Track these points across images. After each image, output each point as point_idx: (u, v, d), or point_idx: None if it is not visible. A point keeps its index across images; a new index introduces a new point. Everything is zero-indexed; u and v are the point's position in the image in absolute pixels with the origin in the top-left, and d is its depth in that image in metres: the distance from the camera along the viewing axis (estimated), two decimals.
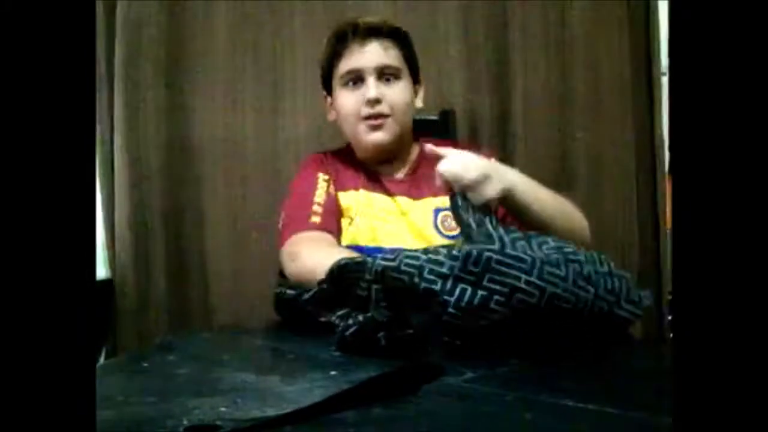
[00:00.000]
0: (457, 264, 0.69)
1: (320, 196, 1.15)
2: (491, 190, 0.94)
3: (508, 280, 0.68)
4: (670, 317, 1.52)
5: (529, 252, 0.71)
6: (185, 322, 1.57)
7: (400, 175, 1.22)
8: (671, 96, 0.48)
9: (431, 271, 0.70)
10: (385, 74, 1.16)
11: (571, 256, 0.72)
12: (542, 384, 0.61)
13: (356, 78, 1.16)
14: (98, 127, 1.55)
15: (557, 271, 0.70)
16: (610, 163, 1.53)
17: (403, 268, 0.71)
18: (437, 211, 1.17)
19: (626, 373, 0.69)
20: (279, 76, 1.59)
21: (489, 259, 0.69)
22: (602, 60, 1.53)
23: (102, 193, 1.57)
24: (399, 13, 1.53)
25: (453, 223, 1.13)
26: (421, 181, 1.19)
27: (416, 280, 0.70)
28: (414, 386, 0.56)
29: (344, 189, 1.18)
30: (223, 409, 0.52)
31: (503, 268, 0.68)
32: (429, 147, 1.02)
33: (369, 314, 0.72)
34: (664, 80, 1.52)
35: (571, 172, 1.54)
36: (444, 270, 0.69)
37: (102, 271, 1.56)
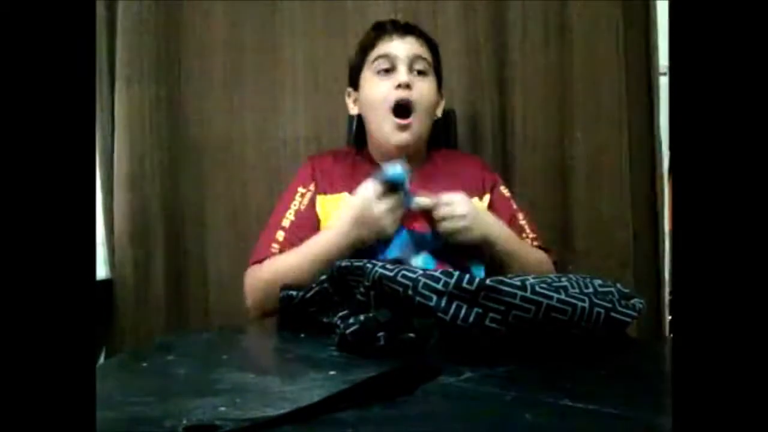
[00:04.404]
0: (452, 281, 0.69)
1: (289, 216, 1.17)
2: (470, 236, 1.02)
3: (504, 298, 0.68)
4: (669, 317, 1.52)
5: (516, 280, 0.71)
6: (184, 322, 1.57)
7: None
8: (671, 96, 0.48)
9: (426, 286, 0.69)
10: (416, 67, 1.18)
11: (556, 284, 0.72)
12: (542, 384, 0.61)
13: (389, 65, 1.18)
14: (98, 127, 1.55)
15: (550, 287, 0.70)
16: (609, 163, 1.53)
17: (399, 279, 0.71)
18: None
19: (626, 373, 0.69)
20: (279, 76, 1.59)
21: (484, 278, 0.69)
22: (602, 60, 1.53)
23: (102, 192, 1.57)
24: (399, 13, 1.52)
25: None
26: (429, 177, 1.21)
27: (410, 293, 0.69)
28: (411, 386, 0.56)
29: (338, 191, 1.19)
30: (222, 409, 0.52)
31: (498, 286, 0.68)
32: (416, 201, 1.03)
33: (370, 314, 0.72)
34: (663, 80, 1.52)
35: (571, 172, 1.54)
36: (439, 286, 0.69)
37: (102, 271, 1.56)
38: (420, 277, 0.70)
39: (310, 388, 0.59)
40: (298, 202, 1.19)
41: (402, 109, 1.16)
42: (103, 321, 1.54)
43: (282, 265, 1.09)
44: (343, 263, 0.81)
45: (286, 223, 1.16)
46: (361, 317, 0.72)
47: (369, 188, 1.02)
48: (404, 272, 0.72)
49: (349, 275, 0.80)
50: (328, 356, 0.71)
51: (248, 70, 1.59)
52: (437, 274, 0.70)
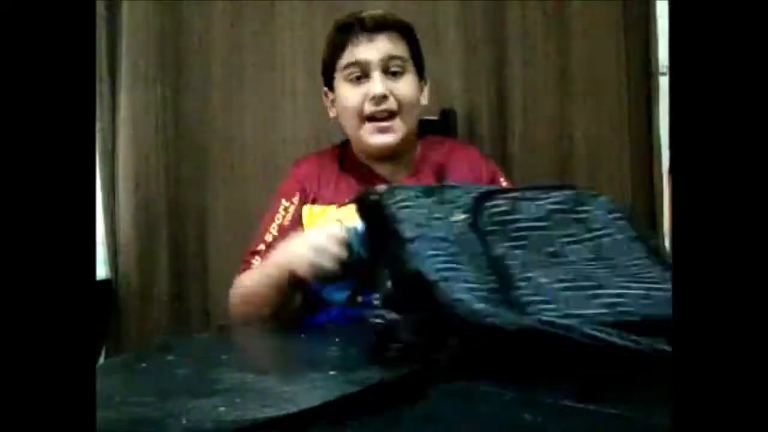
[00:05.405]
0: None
1: (272, 231, 1.13)
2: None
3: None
4: None
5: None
6: (186, 322, 1.57)
7: (401, 178, 1.16)
8: (671, 96, 0.48)
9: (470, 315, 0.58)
10: (391, 68, 1.09)
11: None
12: (542, 384, 0.60)
13: (360, 72, 1.09)
14: (98, 127, 1.55)
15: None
16: (609, 163, 1.53)
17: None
18: None
19: (626, 373, 0.69)
20: (279, 76, 1.59)
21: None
22: (602, 59, 1.53)
23: (102, 193, 1.57)
24: (398, 12, 1.52)
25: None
26: (421, 173, 1.16)
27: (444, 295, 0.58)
28: (421, 390, 0.54)
29: (330, 203, 1.13)
30: (221, 409, 0.52)
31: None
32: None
33: (398, 318, 0.63)
34: (662, 80, 1.52)
35: (571, 172, 1.55)
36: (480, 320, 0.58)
37: (102, 271, 1.56)
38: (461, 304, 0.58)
39: (310, 388, 0.58)
40: (282, 216, 1.14)
41: (379, 120, 1.10)
42: (102, 321, 1.54)
43: (245, 286, 1.07)
44: (395, 209, 0.66)
45: (269, 237, 1.13)
46: (389, 316, 0.63)
47: (323, 231, 0.92)
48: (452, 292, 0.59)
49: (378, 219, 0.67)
50: (328, 356, 0.71)
51: (248, 70, 1.59)
52: (480, 305, 0.58)
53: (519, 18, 1.55)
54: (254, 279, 1.05)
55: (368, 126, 1.09)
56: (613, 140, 1.53)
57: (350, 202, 0.74)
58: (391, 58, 1.09)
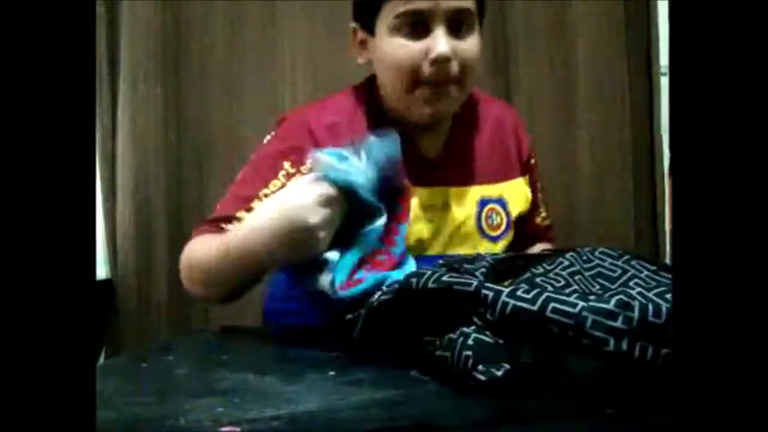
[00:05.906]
0: (635, 315, 0.52)
1: (262, 194, 0.89)
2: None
3: None
4: None
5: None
6: (186, 323, 1.57)
7: (434, 151, 0.97)
8: (671, 96, 0.48)
9: (597, 324, 0.52)
10: (457, 23, 0.88)
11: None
12: (542, 383, 0.60)
13: (417, 24, 0.87)
14: (98, 127, 1.55)
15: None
16: (611, 162, 1.53)
17: (550, 315, 0.54)
18: (483, 203, 0.96)
19: (626, 373, 0.69)
20: (279, 76, 1.59)
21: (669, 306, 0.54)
22: (602, 59, 1.53)
23: (102, 193, 1.57)
24: None
25: (498, 220, 0.96)
26: (461, 159, 0.98)
27: (571, 333, 0.54)
28: None
29: None
30: (221, 409, 0.52)
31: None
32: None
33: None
34: (663, 80, 1.52)
35: (572, 171, 1.54)
36: (617, 324, 0.52)
37: (102, 271, 1.56)
38: (586, 313, 0.53)
39: (309, 389, 0.59)
40: (281, 184, 0.89)
41: (435, 85, 0.90)
42: (103, 321, 1.54)
43: (202, 256, 0.88)
44: (444, 278, 0.61)
45: (257, 204, 0.88)
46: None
47: (307, 192, 0.74)
48: (554, 304, 0.54)
49: (452, 297, 0.61)
50: (327, 356, 0.71)
51: (248, 70, 1.59)
52: (610, 306, 0.53)
53: (519, 18, 1.55)
54: (219, 256, 0.84)
55: (422, 91, 0.89)
56: (613, 140, 1.53)
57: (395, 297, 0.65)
58: (459, 11, 0.88)
